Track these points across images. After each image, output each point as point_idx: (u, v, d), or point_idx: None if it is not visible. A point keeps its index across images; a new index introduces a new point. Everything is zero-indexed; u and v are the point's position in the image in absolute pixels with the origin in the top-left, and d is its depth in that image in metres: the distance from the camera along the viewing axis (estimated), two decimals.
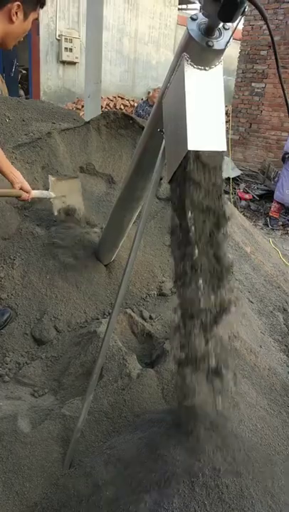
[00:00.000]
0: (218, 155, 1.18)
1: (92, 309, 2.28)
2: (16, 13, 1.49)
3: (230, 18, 0.93)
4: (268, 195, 6.32)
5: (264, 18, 1.00)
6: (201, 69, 1.16)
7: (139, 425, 1.48)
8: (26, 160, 2.81)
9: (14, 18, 1.49)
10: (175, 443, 1.30)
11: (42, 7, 1.62)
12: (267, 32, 7.02)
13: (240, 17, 1.06)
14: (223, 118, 1.19)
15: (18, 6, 1.48)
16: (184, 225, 1.21)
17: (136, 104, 11.26)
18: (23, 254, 2.43)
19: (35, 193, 2.23)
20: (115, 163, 3.04)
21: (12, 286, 2.32)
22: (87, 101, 5.98)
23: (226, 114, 11.78)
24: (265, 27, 7.03)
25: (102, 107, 10.05)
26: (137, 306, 2.29)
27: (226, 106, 12.16)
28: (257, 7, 0.97)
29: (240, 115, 7.63)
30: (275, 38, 6.14)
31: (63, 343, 2.08)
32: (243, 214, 5.91)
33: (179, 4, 13.16)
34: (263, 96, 7.27)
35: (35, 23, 10.34)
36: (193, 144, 1.14)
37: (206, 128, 1.16)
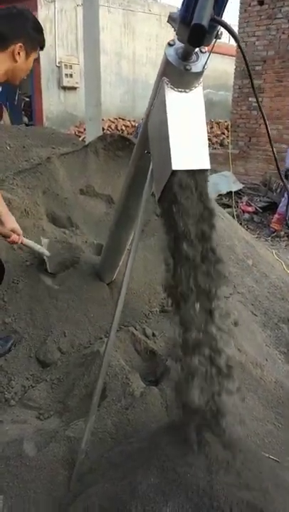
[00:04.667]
0: (202, 173, 1.21)
1: (96, 328, 2.29)
2: (19, 52, 1.63)
3: (199, 43, 0.97)
4: (271, 207, 6.34)
5: (236, 40, 1.04)
6: (181, 91, 1.20)
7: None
8: (27, 185, 2.88)
9: (17, 58, 1.63)
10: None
11: (42, 49, 1.76)
12: (260, 48, 7.16)
13: (214, 40, 1.10)
14: (206, 137, 1.22)
15: (21, 46, 1.62)
16: (176, 244, 1.23)
17: (137, 125, 11.46)
18: (26, 277, 2.47)
19: (26, 241, 2.19)
20: (114, 183, 3.10)
21: (16, 309, 2.35)
22: (89, 124, 6.09)
23: (226, 128, 11.93)
24: (258, 43, 7.17)
25: (103, 129, 10.24)
26: (139, 324, 2.30)
27: (225, 121, 12.30)
28: (228, 29, 1.01)
29: (239, 130, 7.71)
30: (269, 53, 6.27)
31: (67, 365, 2.09)
32: (247, 227, 5.92)
33: (169, 13, 13.45)
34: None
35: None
36: (177, 164, 1.17)
37: (189, 148, 1.19)
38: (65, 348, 2.18)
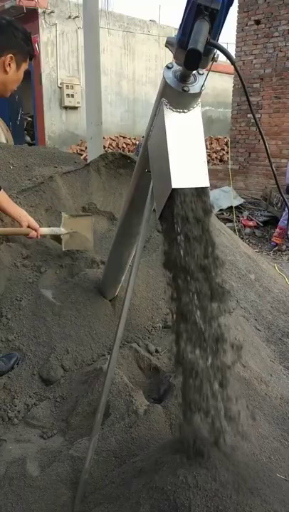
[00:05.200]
0: (201, 191, 1.23)
1: (99, 345, 2.29)
2: (10, 64, 1.63)
3: (195, 67, 1.01)
4: (272, 222, 6.37)
5: (231, 62, 1.07)
6: (179, 112, 1.23)
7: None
8: (30, 204, 2.92)
9: (8, 69, 1.64)
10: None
11: (31, 59, 1.77)
12: (258, 66, 7.31)
13: (211, 62, 1.14)
14: (205, 156, 1.25)
15: (11, 57, 1.63)
16: (176, 259, 1.25)
17: (137, 143, 11.62)
18: (29, 294, 2.48)
19: (44, 231, 2.29)
20: (116, 201, 3.13)
21: (19, 326, 2.35)
22: (90, 142, 6.20)
23: (225, 144, 12.07)
24: (255, 61, 7.31)
25: (104, 147, 10.39)
26: (142, 340, 2.30)
27: (224, 137, 12.45)
28: (224, 53, 1.04)
29: (239, 145, 7.81)
30: (267, 71, 6.38)
31: (70, 382, 2.08)
32: (248, 241, 5.94)
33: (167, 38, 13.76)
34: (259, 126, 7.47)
35: (38, 74, 10.88)
36: (176, 182, 1.20)
37: (188, 166, 1.22)
38: (68, 365, 2.18)
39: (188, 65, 0.96)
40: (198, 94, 1.20)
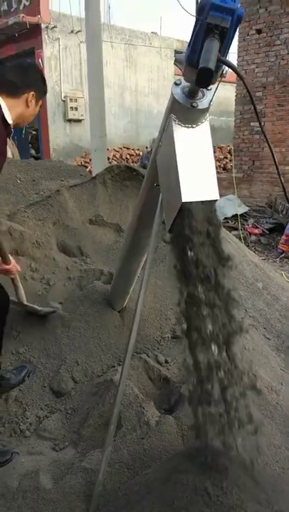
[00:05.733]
0: (211, 203, 1.25)
1: (108, 357, 2.30)
2: (31, 100, 1.82)
3: (207, 85, 1.03)
4: (277, 229, 6.38)
5: (241, 78, 1.10)
6: (188, 127, 1.26)
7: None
8: (38, 217, 2.95)
9: (30, 104, 1.83)
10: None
11: (45, 95, 1.98)
12: (260, 74, 7.38)
13: (219, 78, 1.16)
14: (214, 169, 1.27)
15: (33, 94, 1.82)
16: (186, 272, 1.26)
17: (141, 153, 11.71)
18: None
19: (21, 288, 2.21)
20: (122, 212, 3.16)
21: (29, 339, 2.37)
22: (94, 154, 6.25)
23: (228, 152, 12.13)
24: (257, 70, 7.39)
25: (109, 158, 10.48)
26: (151, 351, 2.31)
27: (227, 145, 12.50)
28: (234, 70, 1.07)
29: (242, 154, 7.85)
30: (269, 79, 6.43)
31: (81, 394, 2.09)
32: (254, 249, 5.94)
33: (175, 56, 13.92)
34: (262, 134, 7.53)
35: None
36: (186, 196, 1.22)
37: (197, 180, 1.24)
38: (79, 377, 2.19)
39: (200, 83, 0.99)
40: (206, 110, 1.23)
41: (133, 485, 1.58)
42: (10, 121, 1.77)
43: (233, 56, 8.56)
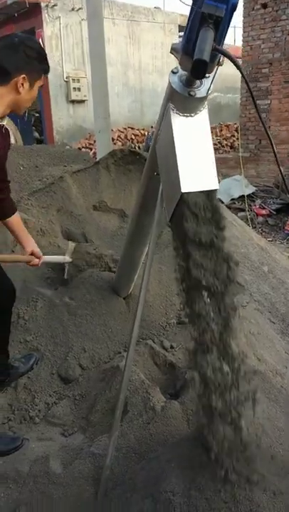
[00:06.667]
0: (211, 193, 1.24)
1: (115, 343, 2.32)
2: (22, 84, 1.60)
3: (202, 76, 1.01)
4: (285, 209, 6.31)
5: (237, 67, 1.07)
6: (186, 116, 1.24)
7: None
8: (42, 205, 2.95)
9: (21, 89, 1.61)
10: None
11: (46, 74, 1.73)
12: (266, 50, 7.17)
13: (216, 67, 1.14)
14: (213, 158, 1.25)
15: (24, 78, 1.60)
16: (186, 262, 1.26)
17: (146, 133, 11.55)
18: (44, 295, 2.52)
19: (47, 258, 2.23)
20: (126, 197, 3.15)
21: (36, 327, 2.40)
22: (99, 136, 6.19)
23: (235, 130, 11.92)
24: (263, 45, 7.17)
25: (113, 139, 10.36)
26: (157, 337, 2.33)
27: (234, 123, 12.26)
28: (230, 59, 1.04)
29: (249, 133, 7.71)
30: (276, 56, 6.25)
31: (88, 380, 2.13)
32: (261, 230, 5.90)
33: (179, 32, 13.59)
34: (269, 112, 7.35)
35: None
36: (186, 187, 1.21)
37: (197, 169, 1.23)
38: (86, 363, 2.22)
39: (195, 74, 0.97)
40: (204, 98, 1.20)
41: (140, 469, 1.63)
42: None
43: (238, 31, 8.32)
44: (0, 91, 1.58)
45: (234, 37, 15.41)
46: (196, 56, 0.92)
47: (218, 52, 1.00)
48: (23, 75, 1.59)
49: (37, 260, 2.06)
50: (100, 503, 1.54)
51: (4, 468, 1.72)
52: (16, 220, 1.97)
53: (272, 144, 1.22)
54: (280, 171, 1.23)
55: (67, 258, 2.51)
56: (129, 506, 1.38)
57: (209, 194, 1.25)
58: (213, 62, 1.06)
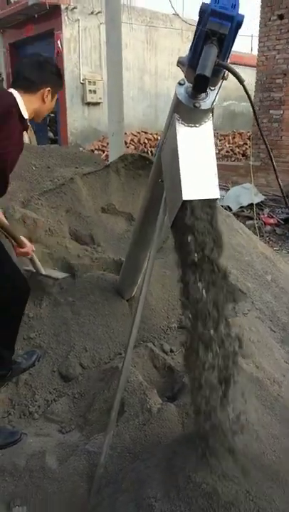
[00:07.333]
0: (211, 202, 1.28)
1: (116, 344, 2.36)
2: (47, 95, 1.89)
3: (203, 90, 1.05)
4: None
5: (240, 82, 1.11)
6: (191, 126, 1.28)
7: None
8: (51, 205, 3.01)
9: (46, 100, 1.89)
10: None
11: (61, 89, 2.04)
12: (281, 61, 7.19)
13: (221, 81, 1.18)
14: (215, 168, 1.29)
15: (49, 90, 1.88)
16: (186, 268, 1.30)
17: (159, 138, 11.59)
18: (49, 294, 2.57)
19: (35, 258, 2.35)
20: (134, 201, 3.19)
21: (40, 325, 2.45)
22: (112, 139, 6.26)
23: (248, 138, 11.93)
24: (278, 56, 7.19)
25: (126, 143, 10.43)
26: (158, 340, 2.36)
27: (247, 131, 12.24)
28: (232, 73, 1.08)
29: (260, 142, 7.72)
30: None
31: (88, 380, 2.17)
32: (269, 239, 5.91)
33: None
34: (281, 122, 7.37)
35: (61, 70, 11.06)
36: (187, 194, 1.25)
37: (199, 179, 1.27)
38: (86, 363, 2.26)
39: (197, 88, 1.01)
40: (209, 110, 1.24)
41: (133, 468, 1.66)
42: (26, 116, 1.84)
43: (255, 40, 8.34)
44: (29, 98, 1.84)
45: (251, 45, 15.45)
46: (198, 71, 0.96)
47: (221, 67, 1.04)
48: (48, 88, 1.87)
49: (29, 248, 2.19)
50: (93, 500, 1.58)
51: (1, 462, 1.76)
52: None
53: (270, 154, 1.25)
54: (279, 181, 1.26)
55: (59, 275, 2.57)
56: (116, 507, 1.41)
57: (210, 202, 1.29)
58: (217, 77, 1.10)
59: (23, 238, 2.18)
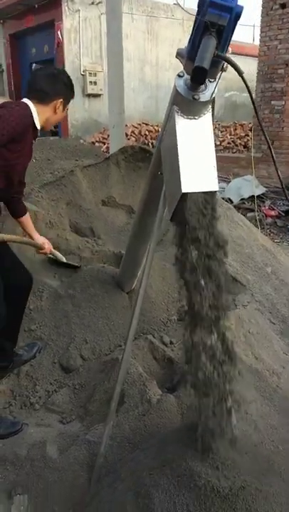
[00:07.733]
0: (210, 194, 1.28)
1: (116, 336, 2.38)
2: (59, 107, 1.96)
3: (202, 82, 1.05)
4: None
5: (239, 74, 1.11)
6: (190, 118, 1.28)
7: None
8: (52, 198, 3.01)
9: (58, 111, 1.96)
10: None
11: (72, 99, 2.09)
12: (283, 51, 7.12)
13: (220, 73, 1.17)
14: (214, 160, 1.29)
15: (61, 102, 1.95)
16: (185, 260, 1.31)
17: (160, 130, 11.52)
18: (50, 286, 2.59)
19: (54, 252, 2.49)
20: (135, 194, 3.19)
21: (41, 317, 2.47)
22: (112, 131, 6.23)
23: (250, 130, 11.86)
24: (280, 46, 7.12)
25: (127, 135, 10.37)
26: (157, 332, 2.38)
27: (249, 123, 12.16)
28: (231, 65, 1.08)
29: (262, 133, 7.68)
30: None
31: (89, 371, 2.19)
32: (270, 231, 5.90)
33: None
34: (283, 113, 7.31)
35: (61, 61, 10.92)
36: (186, 187, 1.25)
37: (198, 171, 1.26)
38: (87, 354, 2.28)
39: (195, 80, 1.01)
40: (208, 102, 1.24)
41: (132, 458, 1.68)
42: (38, 126, 1.90)
43: (257, 30, 8.26)
44: (41, 109, 1.90)
45: (253, 35, 15.29)
46: (196, 63, 0.95)
47: (220, 59, 1.04)
48: (61, 99, 1.94)
49: (48, 247, 2.30)
50: (93, 489, 1.60)
51: (3, 451, 1.79)
52: (27, 218, 2.22)
53: (270, 147, 1.25)
54: (278, 173, 1.26)
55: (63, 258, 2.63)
56: (115, 496, 1.43)
57: (209, 195, 1.29)
58: (217, 68, 1.10)
59: (39, 240, 2.26)
